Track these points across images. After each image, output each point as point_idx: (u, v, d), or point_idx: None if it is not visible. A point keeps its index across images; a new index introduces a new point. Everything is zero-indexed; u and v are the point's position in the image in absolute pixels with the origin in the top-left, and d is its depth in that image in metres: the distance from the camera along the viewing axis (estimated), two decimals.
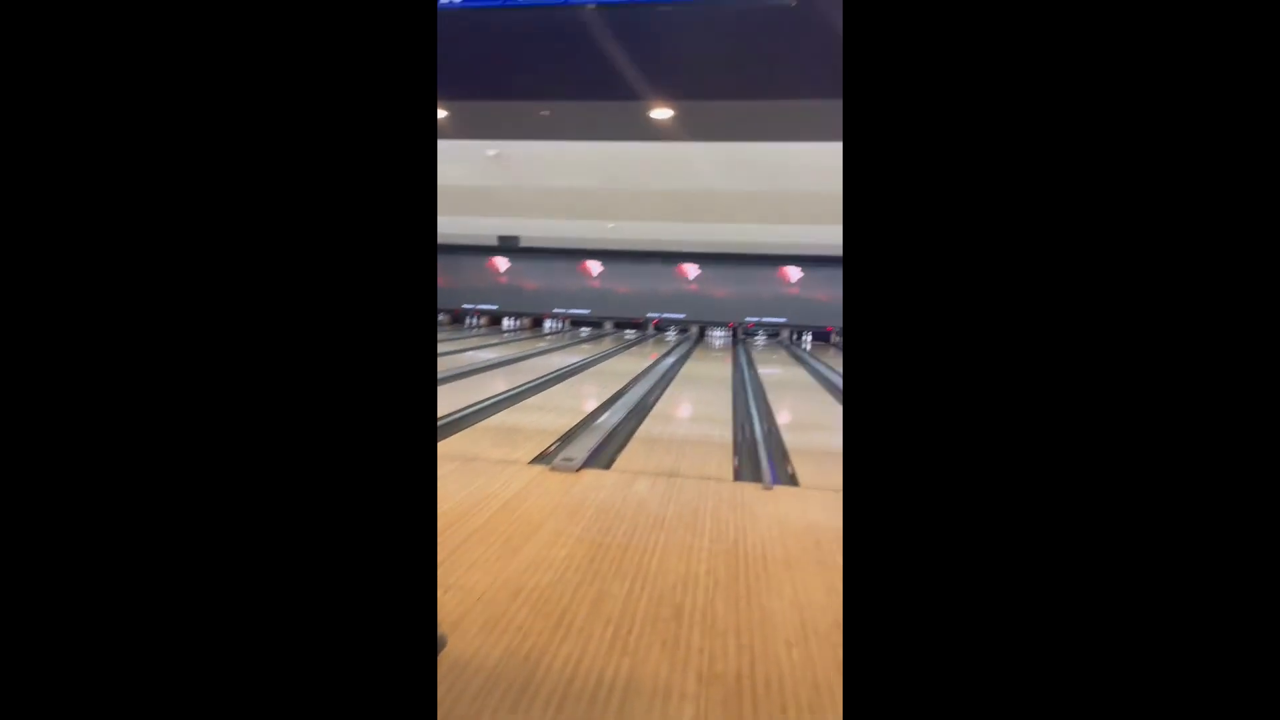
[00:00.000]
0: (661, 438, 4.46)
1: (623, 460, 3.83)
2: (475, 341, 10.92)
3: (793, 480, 3.58)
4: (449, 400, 5.28)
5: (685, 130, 3.71)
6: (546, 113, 3.38)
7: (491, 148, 5.13)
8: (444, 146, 5.00)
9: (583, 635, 1.86)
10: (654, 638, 1.86)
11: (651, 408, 5.57)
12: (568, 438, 4.27)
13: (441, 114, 3.60)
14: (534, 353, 9.79)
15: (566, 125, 3.73)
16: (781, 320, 13.51)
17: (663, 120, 3.42)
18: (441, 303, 14.68)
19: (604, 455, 3.92)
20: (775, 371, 8.75)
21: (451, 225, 10.83)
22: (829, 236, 9.81)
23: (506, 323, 14.54)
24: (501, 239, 12.51)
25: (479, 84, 2.91)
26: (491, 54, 2.73)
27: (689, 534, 2.69)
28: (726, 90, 2.87)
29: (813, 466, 3.87)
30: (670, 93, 2.90)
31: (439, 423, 4.08)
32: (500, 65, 2.75)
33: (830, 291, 13.18)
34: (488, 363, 8.45)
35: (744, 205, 7.97)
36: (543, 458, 3.77)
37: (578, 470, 3.49)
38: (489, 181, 6.79)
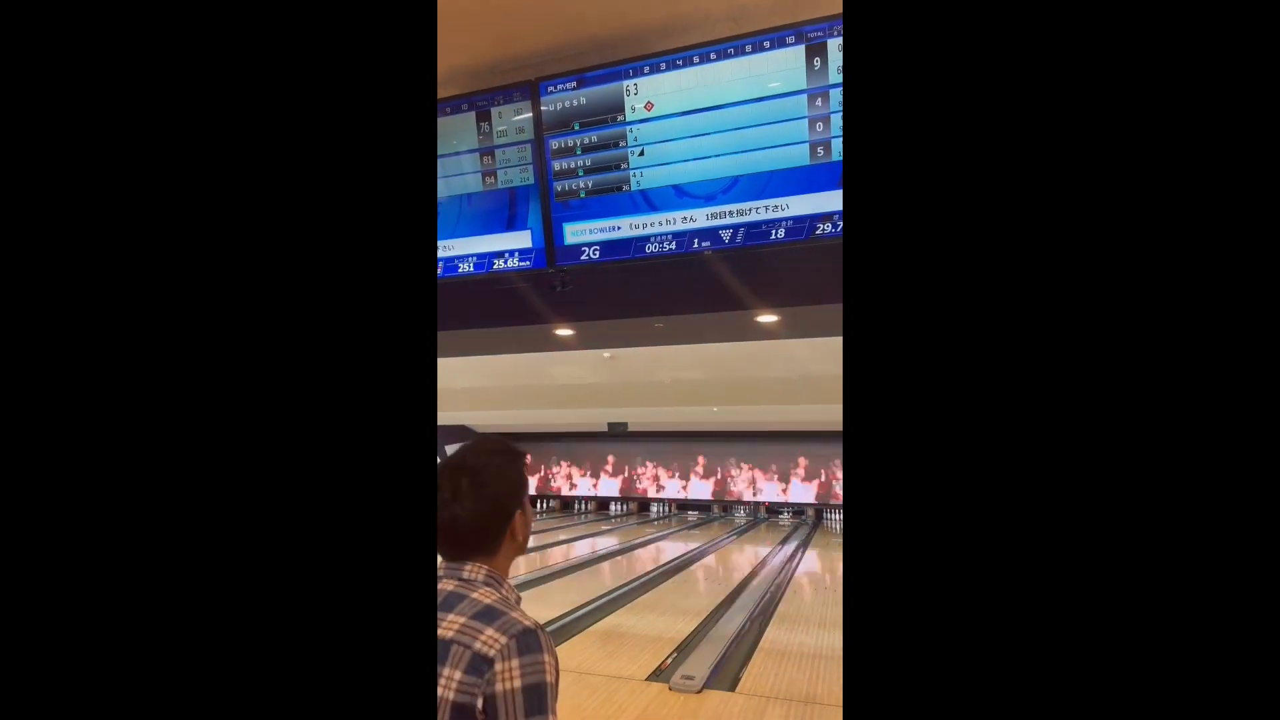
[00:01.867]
0: (790, 649, 3.99)
1: (749, 679, 3.43)
2: (583, 530, 10.89)
3: None
4: (558, 599, 5.14)
5: (789, 330, 3.89)
6: (660, 325, 3.71)
7: (608, 352, 5.63)
8: (565, 354, 5.55)
9: None
10: None
11: (775, 610, 5.09)
12: (685, 647, 3.94)
13: (569, 332, 4.05)
14: (642, 540, 9.53)
15: (678, 333, 4.05)
16: None
17: (768, 324, 3.61)
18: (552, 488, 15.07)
19: (727, 671, 3.54)
20: None
21: (566, 416, 11.55)
22: None
23: (614, 507, 14.51)
24: (611, 425, 13.06)
25: (604, 309, 3.29)
26: (618, 287, 3.12)
27: None
28: (828, 297, 3.04)
29: None
30: (776, 302, 3.11)
31: (551, 627, 3.95)
32: (622, 296, 3.14)
33: None
34: (598, 553, 8.30)
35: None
36: (659, 673, 3.46)
37: (699, 691, 3.15)
38: (603, 379, 7.33)
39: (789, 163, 1.87)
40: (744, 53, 1.85)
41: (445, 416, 12.25)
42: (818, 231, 1.89)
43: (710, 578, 6.85)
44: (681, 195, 1.99)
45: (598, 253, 2.14)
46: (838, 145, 1.82)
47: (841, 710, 2.26)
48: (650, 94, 1.98)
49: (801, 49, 1.80)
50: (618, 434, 13.98)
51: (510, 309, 3.58)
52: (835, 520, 12.57)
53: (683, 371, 6.95)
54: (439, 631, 0.64)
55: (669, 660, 3.74)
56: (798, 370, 6.43)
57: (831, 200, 1.86)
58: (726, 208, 1.95)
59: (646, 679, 3.41)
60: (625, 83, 1.99)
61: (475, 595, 0.68)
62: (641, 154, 2.01)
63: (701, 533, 10.65)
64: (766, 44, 1.83)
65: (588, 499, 14.75)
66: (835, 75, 1.78)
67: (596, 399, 9.10)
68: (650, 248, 2.06)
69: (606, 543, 9.26)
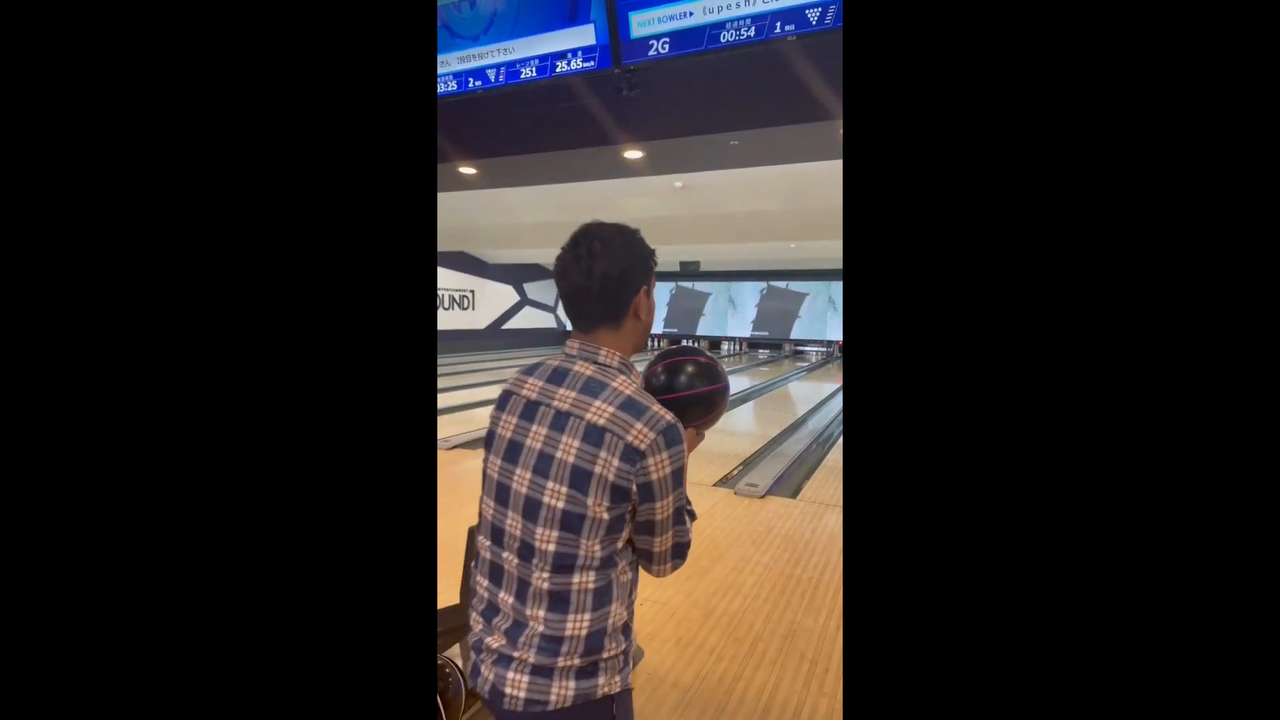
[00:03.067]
0: None
1: (810, 490, 3.69)
2: None
3: None
4: None
5: None
6: (735, 143, 3.46)
7: (679, 180, 5.38)
8: (635, 182, 5.35)
9: (776, 667, 1.82)
10: None
11: (839, 436, 5.29)
12: (750, 463, 4.24)
13: (637, 154, 3.87)
14: None
15: (755, 152, 3.78)
16: None
17: None
18: None
19: (789, 483, 3.81)
20: None
21: None
22: None
23: (685, 344, 14.90)
24: (683, 264, 12.95)
25: (673, 124, 3.08)
26: (686, 95, 2.87)
27: None
28: None
29: None
30: None
31: None
32: (695, 106, 2.89)
33: None
34: None
35: None
36: (726, 481, 3.78)
37: (763, 497, 3.44)
38: (676, 211, 7.10)
39: None
40: None
41: (514, 254, 12.51)
42: None
43: (778, 408, 7.11)
44: None
45: (667, 46, 1.94)
46: None
47: None
48: None
49: None
50: (690, 273, 13.88)
51: (578, 128, 3.42)
52: None
53: (758, 202, 6.59)
54: (589, 417, 0.73)
55: (735, 471, 4.05)
56: None
57: None
58: None
59: (714, 485, 3.73)
60: None
61: (615, 384, 0.75)
62: None
63: (771, 369, 10.87)
64: None
65: (659, 337, 15.19)
66: None
67: (668, 234, 8.92)
68: (726, 36, 1.84)
69: None
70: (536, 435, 0.75)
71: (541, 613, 0.74)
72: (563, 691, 0.73)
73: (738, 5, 1.81)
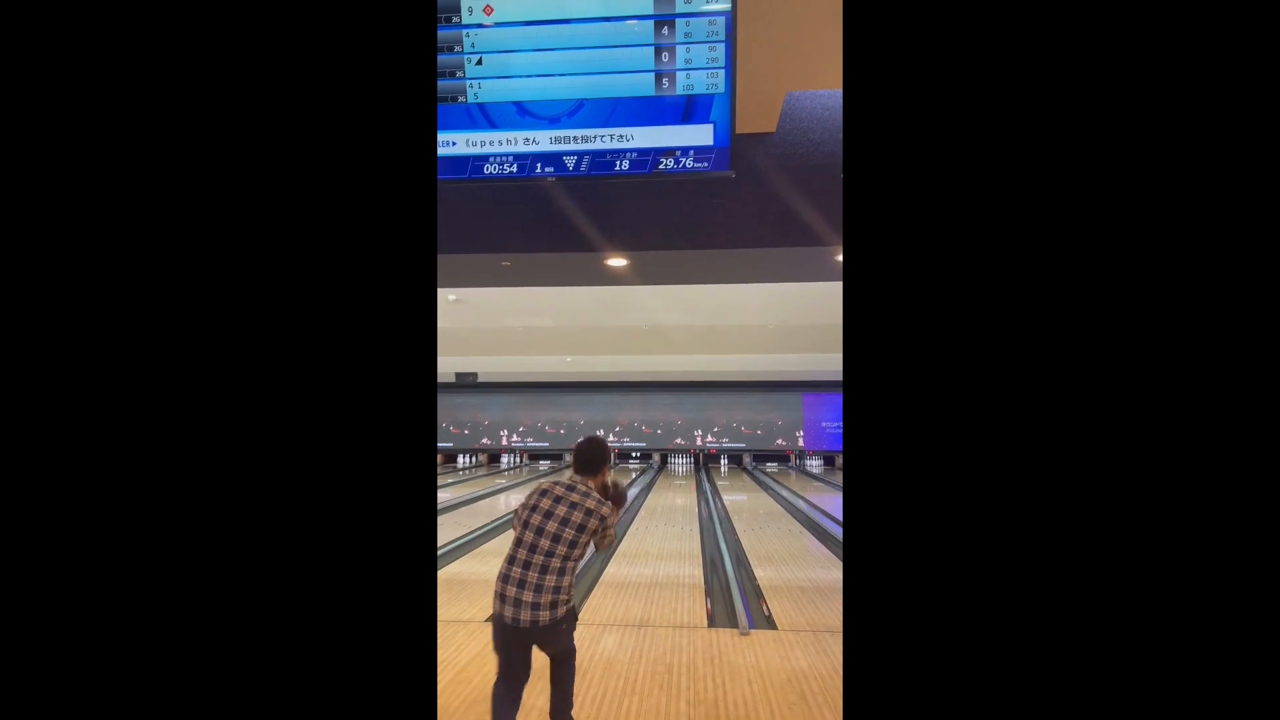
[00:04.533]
0: (629, 581, 4.22)
1: (589, 609, 3.57)
2: None
3: (770, 622, 3.39)
4: None
5: (638, 276, 3.93)
6: (507, 264, 3.55)
7: (453, 293, 5.31)
8: None
9: None
10: None
11: (616, 547, 5.32)
12: None
13: None
14: (490, 490, 9.41)
15: (526, 274, 3.91)
16: (741, 445, 13.61)
17: (617, 268, 3.62)
18: None
19: None
20: (741, 499, 8.63)
21: None
22: (776, 364, 10.25)
23: (461, 460, 14.11)
24: (459, 375, 12.52)
25: (444, 240, 3.05)
26: (456, 215, 2.89)
27: (664, 695, 2.46)
28: (675, 242, 3.10)
29: (789, 605, 3.69)
30: (624, 244, 3.11)
31: None
32: (464, 225, 2.92)
33: (786, 415, 13.50)
34: (441, 505, 8.04)
35: (689, 338, 8.33)
36: None
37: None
38: (449, 323, 6.94)
39: (634, 90, 1.83)
40: None
41: None
42: (661, 166, 1.89)
43: None
44: (523, 114, 1.87)
45: None
46: (682, 78, 1.81)
47: (670, 631, 2.44)
48: None
49: None
50: (466, 384, 13.45)
51: None
52: (677, 464, 13.42)
53: (533, 319, 6.81)
54: (588, 505, 1.89)
55: None
56: (647, 319, 6.63)
57: (674, 135, 1.87)
58: (571, 132, 1.88)
59: (486, 620, 3.39)
60: None
61: (596, 495, 1.93)
62: (480, 63, 1.84)
63: (552, 481, 10.76)
64: None
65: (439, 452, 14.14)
66: (681, 4, 1.76)
67: (443, 346, 8.62)
68: (489, 169, 1.93)
69: (451, 494, 9.00)
70: (569, 513, 1.86)
71: (556, 578, 1.81)
72: (562, 609, 1.84)
73: (500, 143, 1.92)
